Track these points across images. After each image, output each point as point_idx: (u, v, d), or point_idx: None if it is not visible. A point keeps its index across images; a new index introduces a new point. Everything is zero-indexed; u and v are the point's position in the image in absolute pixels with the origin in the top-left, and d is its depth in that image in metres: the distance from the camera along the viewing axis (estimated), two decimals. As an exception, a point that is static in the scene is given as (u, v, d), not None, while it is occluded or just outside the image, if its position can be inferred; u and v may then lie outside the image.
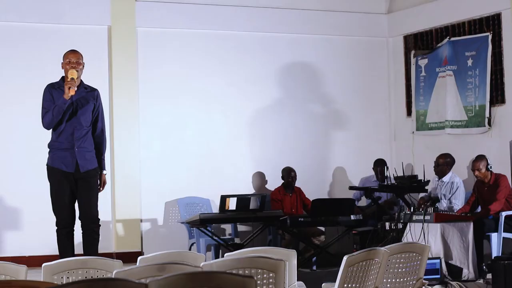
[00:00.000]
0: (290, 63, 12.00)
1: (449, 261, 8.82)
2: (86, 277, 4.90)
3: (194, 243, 10.59)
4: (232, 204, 9.79)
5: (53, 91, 7.87)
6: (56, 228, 7.85)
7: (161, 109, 11.28)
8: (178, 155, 11.32)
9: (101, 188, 8.06)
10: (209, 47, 11.57)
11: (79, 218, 7.88)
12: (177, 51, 11.41)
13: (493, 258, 8.59)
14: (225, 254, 5.39)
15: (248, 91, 11.72)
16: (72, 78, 7.70)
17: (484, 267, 8.71)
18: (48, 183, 7.94)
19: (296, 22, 12.00)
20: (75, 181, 7.84)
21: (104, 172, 8.07)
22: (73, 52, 7.94)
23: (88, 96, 7.93)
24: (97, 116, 8.00)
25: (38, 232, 10.30)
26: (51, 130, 7.91)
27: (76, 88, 7.69)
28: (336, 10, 12.23)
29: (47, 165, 7.91)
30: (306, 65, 12.09)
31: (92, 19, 10.95)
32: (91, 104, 7.92)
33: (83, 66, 7.92)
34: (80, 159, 7.81)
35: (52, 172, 7.86)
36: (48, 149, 7.94)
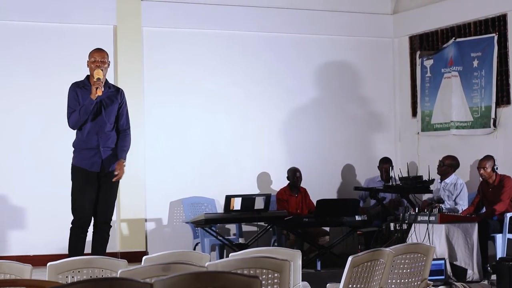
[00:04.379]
0: (295, 63, 11.99)
1: (454, 262, 8.81)
2: (91, 277, 4.90)
3: (199, 243, 10.59)
4: (236, 204, 9.79)
5: (78, 90, 7.86)
6: (71, 226, 7.84)
7: (166, 109, 11.29)
8: (183, 155, 11.33)
9: (116, 173, 7.82)
10: (214, 47, 11.57)
11: (94, 217, 7.89)
12: (183, 51, 11.41)
13: (497, 259, 8.59)
14: (230, 254, 5.39)
15: (253, 91, 11.72)
16: (99, 78, 7.69)
17: (489, 268, 8.70)
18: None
19: (301, 22, 11.99)
20: (99, 180, 7.85)
21: (124, 161, 7.92)
22: (99, 50, 7.90)
23: (113, 96, 7.93)
24: (121, 114, 7.98)
25: (43, 232, 10.32)
26: (75, 130, 7.90)
27: (103, 89, 7.70)
28: (342, 11, 12.22)
29: (72, 164, 7.90)
30: (312, 66, 12.09)
31: (98, 18, 10.96)
32: (115, 104, 7.92)
33: (109, 65, 7.91)
34: (105, 159, 7.82)
35: (77, 171, 7.85)
36: (73, 149, 7.92)
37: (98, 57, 7.82)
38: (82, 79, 7.97)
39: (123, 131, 8.00)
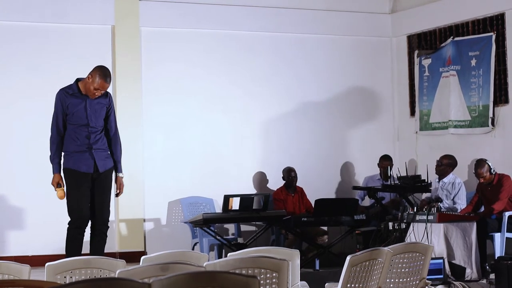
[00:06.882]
0: (294, 62, 11.99)
1: (452, 261, 8.82)
2: (89, 277, 4.90)
3: (197, 243, 10.59)
4: (235, 204, 9.79)
5: (67, 99, 7.84)
6: (68, 226, 7.85)
7: (165, 109, 11.28)
8: (181, 155, 11.32)
9: (118, 191, 8.07)
10: (213, 47, 11.57)
11: (90, 218, 7.91)
12: (181, 51, 11.40)
13: (496, 258, 8.60)
14: (228, 254, 5.39)
15: (252, 91, 11.72)
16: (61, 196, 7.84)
17: (487, 267, 8.70)
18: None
19: (300, 22, 11.99)
20: (93, 181, 7.88)
21: (121, 175, 8.07)
22: (108, 82, 7.81)
23: (101, 100, 7.94)
24: (110, 118, 8.03)
25: (41, 232, 10.31)
26: (64, 133, 7.91)
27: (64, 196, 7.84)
28: (340, 10, 12.22)
29: (64, 168, 7.89)
30: (310, 65, 12.08)
31: (96, 18, 10.95)
32: (104, 107, 7.96)
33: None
34: (98, 159, 7.87)
35: (70, 173, 7.87)
36: (64, 153, 7.91)
37: (102, 89, 7.82)
38: (71, 83, 7.91)
39: (113, 135, 8.07)
